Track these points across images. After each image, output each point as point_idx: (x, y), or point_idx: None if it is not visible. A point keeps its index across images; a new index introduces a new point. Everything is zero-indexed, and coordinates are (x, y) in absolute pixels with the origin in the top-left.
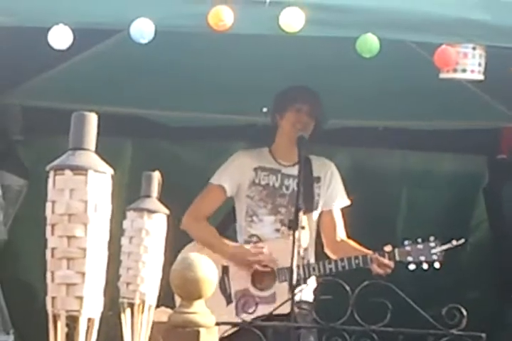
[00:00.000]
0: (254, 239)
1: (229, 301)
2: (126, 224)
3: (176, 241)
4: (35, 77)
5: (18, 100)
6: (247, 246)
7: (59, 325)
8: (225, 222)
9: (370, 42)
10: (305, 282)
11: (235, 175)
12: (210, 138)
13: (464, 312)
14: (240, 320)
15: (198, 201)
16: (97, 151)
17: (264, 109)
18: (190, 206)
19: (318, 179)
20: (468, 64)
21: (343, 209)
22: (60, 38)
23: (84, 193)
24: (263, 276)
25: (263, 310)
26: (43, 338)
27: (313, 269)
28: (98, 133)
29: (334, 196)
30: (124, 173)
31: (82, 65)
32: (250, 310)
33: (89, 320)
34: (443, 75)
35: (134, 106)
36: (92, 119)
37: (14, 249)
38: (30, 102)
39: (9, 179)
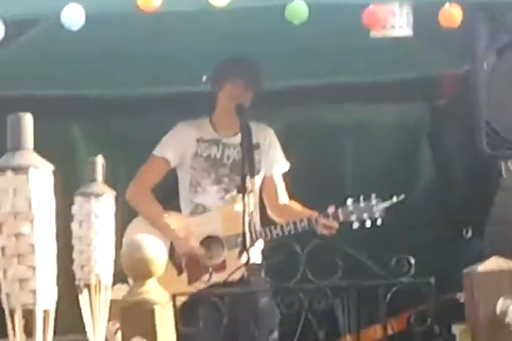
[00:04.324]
0: (200, 208)
1: (180, 271)
2: (74, 209)
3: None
4: None
5: None
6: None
7: (16, 318)
8: (168, 193)
9: (298, 9)
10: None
11: (178, 146)
12: (152, 110)
13: (412, 261)
14: (194, 289)
15: (142, 173)
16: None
17: (204, 78)
18: (134, 178)
19: (258, 145)
20: (396, 21)
21: (283, 173)
22: None
23: (27, 191)
24: (210, 245)
25: (215, 277)
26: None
27: (260, 235)
28: (41, 118)
29: (274, 161)
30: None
31: (15, 53)
32: (205, 278)
33: (44, 311)
34: (374, 34)
35: (73, 87)
36: (28, 119)
37: None
38: None
39: None
